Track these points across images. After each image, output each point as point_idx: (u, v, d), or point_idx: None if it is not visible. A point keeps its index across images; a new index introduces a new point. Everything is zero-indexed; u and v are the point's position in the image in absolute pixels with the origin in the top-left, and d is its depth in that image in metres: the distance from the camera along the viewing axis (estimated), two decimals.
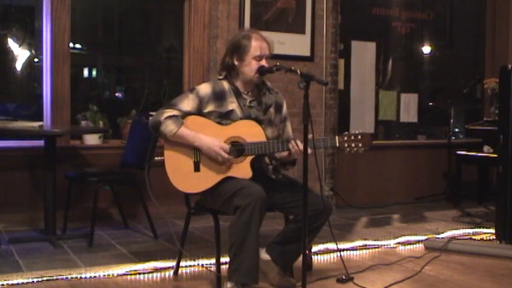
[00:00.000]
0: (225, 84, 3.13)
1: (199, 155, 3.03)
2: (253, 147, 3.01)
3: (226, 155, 2.97)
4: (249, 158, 3.02)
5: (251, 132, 3.04)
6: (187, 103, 3.05)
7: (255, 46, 3.05)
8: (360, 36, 6.27)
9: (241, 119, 3.08)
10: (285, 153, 3.06)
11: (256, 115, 3.13)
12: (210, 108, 3.06)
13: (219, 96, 3.08)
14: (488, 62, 6.87)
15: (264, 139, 3.04)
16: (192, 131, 3.00)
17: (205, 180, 3.03)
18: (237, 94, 3.11)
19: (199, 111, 3.06)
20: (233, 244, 2.89)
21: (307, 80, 2.75)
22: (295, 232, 3.04)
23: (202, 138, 2.99)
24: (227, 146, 2.99)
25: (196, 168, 3.03)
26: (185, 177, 3.04)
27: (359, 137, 3.05)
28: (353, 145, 3.04)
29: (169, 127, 2.99)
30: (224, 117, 3.07)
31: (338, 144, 3.04)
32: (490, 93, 6.07)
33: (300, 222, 2.93)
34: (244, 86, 3.13)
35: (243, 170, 3.01)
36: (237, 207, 2.86)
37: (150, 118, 3.10)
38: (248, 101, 3.13)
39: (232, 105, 3.09)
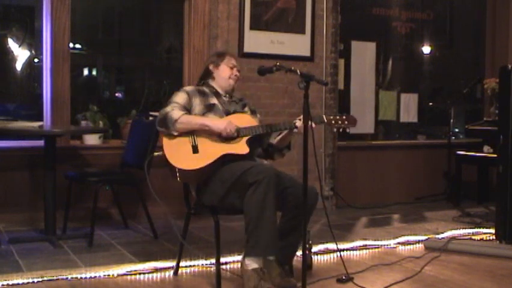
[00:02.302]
0: (205, 88, 3.42)
1: (195, 140, 3.17)
2: (248, 130, 3.22)
3: (233, 128, 3.16)
4: (245, 138, 3.21)
5: (243, 120, 3.29)
6: (181, 97, 3.29)
7: (229, 58, 3.47)
8: (360, 36, 6.27)
9: (223, 114, 3.30)
10: (282, 136, 3.33)
11: (235, 108, 3.39)
12: (196, 101, 3.30)
13: (202, 93, 3.36)
14: (488, 62, 6.87)
15: (256, 124, 3.30)
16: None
17: (205, 158, 3.12)
18: (217, 95, 3.40)
19: (189, 106, 3.28)
20: (250, 220, 2.93)
21: (307, 80, 2.78)
22: (291, 221, 3.13)
23: (208, 118, 3.22)
24: (234, 124, 3.19)
25: (195, 151, 3.15)
26: (185, 158, 3.13)
27: (344, 117, 3.32)
28: (340, 122, 3.28)
29: (175, 113, 3.17)
30: (208, 110, 3.28)
31: (325, 120, 3.27)
32: (490, 93, 6.07)
33: (292, 211, 3.10)
34: (220, 89, 3.42)
35: (240, 147, 3.19)
36: (251, 184, 2.93)
37: (156, 117, 3.26)
38: (226, 100, 3.40)
39: (213, 100, 3.34)
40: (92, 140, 4.95)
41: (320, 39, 5.67)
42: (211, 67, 3.45)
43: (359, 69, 6.24)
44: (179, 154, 3.13)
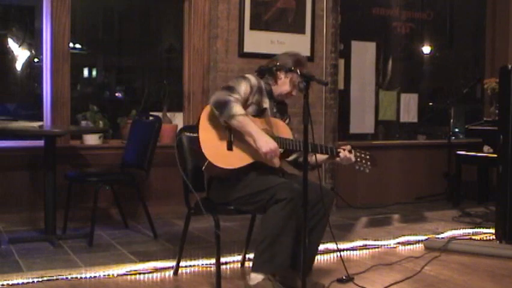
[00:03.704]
0: (262, 83, 3.27)
1: (232, 136, 3.09)
2: (283, 142, 3.15)
3: (276, 159, 3.10)
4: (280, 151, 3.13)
5: (281, 128, 3.23)
6: (244, 88, 3.15)
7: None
8: (360, 36, 6.27)
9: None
10: (321, 159, 3.29)
11: (277, 114, 3.33)
12: (253, 99, 3.20)
13: (260, 91, 3.24)
14: (488, 62, 6.87)
15: (291, 137, 3.22)
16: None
17: (237, 159, 3.07)
18: (270, 95, 3.29)
19: (246, 99, 3.17)
20: (269, 235, 2.90)
21: (307, 80, 2.77)
22: (308, 222, 2.98)
23: (259, 133, 3.01)
24: (278, 152, 3.07)
25: (229, 147, 3.09)
26: (218, 151, 3.06)
27: (368, 157, 3.31)
28: (364, 161, 3.30)
29: (237, 107, 3.01)
30: (258, 112, 3.20)
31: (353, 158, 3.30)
32: (490, 93, 6.07)
33: (308, 211, 2.96)
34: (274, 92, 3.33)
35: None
36: (279, 199, 2.90)
37: (213, 96, 3.08)
38: (275, 106, 3.32)
39: (266, 104, 3.26)
40: (92, 140, 4.95)
41: (320, 39, 5.67)
42: (281, 72, 3.25)
43: (359, 69, 6.24)
44: (213, 145, 3.05)
